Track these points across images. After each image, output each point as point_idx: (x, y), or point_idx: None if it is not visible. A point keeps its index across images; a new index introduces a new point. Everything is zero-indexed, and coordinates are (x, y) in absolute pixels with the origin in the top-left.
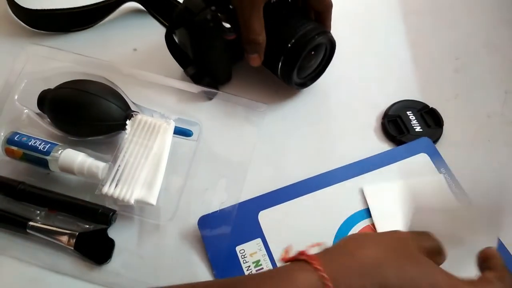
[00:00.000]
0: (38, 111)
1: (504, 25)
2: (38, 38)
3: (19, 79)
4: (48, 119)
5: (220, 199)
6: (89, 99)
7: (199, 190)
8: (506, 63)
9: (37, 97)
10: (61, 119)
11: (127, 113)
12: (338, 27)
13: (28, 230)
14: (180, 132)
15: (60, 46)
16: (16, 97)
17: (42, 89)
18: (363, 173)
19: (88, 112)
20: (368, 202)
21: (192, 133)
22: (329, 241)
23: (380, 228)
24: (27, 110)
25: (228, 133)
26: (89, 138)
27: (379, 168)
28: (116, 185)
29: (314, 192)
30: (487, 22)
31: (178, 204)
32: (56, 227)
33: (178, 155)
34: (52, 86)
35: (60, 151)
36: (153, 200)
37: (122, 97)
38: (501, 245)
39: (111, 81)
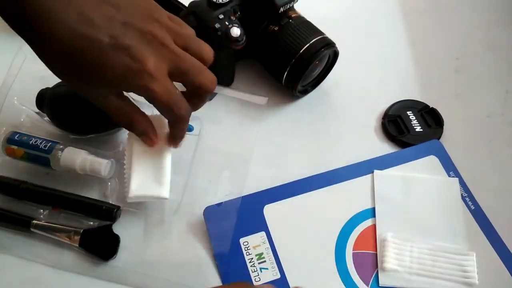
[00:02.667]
0: (38, 110)
1: (504, 25)
2: None
3: (17, 79)
4: (48, 118)
5: (223, 191)
6: None
7: (202, 183)
8: (506, 63)
9: (35, 96)
10: (60, 116)
11: None
12: (338, 28)
13: (32, 229)
14: None
15: None
16: (15, 96)
17: (40, 88)
18: (370, 173)
19: (87, 109)
20: (375, 185)
21: (193, 128)
22: (333, 238)
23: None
24: (26, 109)
25: (230, 127)
26: (90, 136)
27: (387, 168)
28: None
29: (320, 189)
30: (488, 22)
31: (182, 197)
32: (60, 225)
33: (180, 149)
34: (50, 85)
35: (61, 149)
36: (166, 194)
37: None
38: (502, 245)
39: None
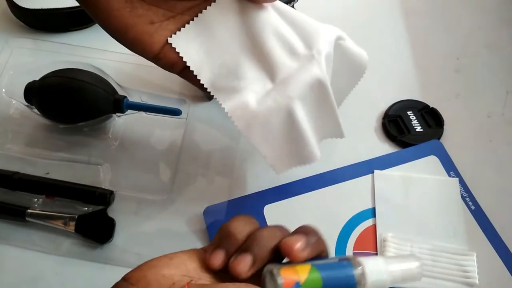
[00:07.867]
0: (27, 103)
1: (504, 24)
2: (40, 36)
3: (4, 73)
4: (37, 110)
5: (223, 191)
6: (75, 84)
7: (202, 183)
8: (506, 63)
9: (23, 89)
10: (49, 107)
11: (115, 97)
12: (338, 28)
13: (27, 218)
14: (168, 111)
15: None
16: (3, 90)
17: (28, 81)
18: (371, 173)
19: (75, 97)
20: (375, 185)
21: (181, 112)
22: (333, 238)
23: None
24: (15, 103)
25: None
26: (79, 124)
27: (387, 168)
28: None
29: (320, 189)
30: (488, 22)
31: (174, 180)
32: (55, 212)
33: (167, 135)
34: (37, 78)
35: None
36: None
37: (108, 82)
38: (502, 245)
39: (98, 67)
